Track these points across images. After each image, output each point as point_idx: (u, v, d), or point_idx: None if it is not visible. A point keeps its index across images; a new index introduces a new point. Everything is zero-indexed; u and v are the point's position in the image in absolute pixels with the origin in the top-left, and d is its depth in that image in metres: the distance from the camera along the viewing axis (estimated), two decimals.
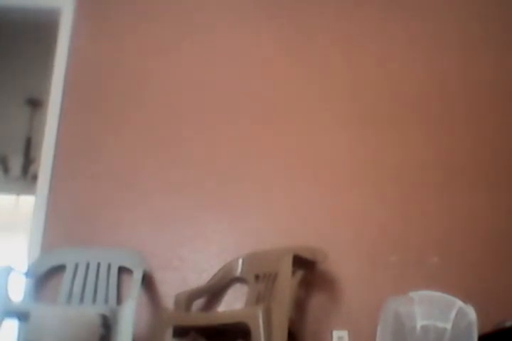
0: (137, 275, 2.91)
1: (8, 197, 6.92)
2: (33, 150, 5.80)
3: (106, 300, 2.99)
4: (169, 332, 2.65)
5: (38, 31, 4.02)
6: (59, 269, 3.09)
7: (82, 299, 3.00)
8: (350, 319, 3.08)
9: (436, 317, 2.68)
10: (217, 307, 3.12)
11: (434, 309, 2.71)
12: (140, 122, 3.42)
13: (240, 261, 3.14)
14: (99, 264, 3.08)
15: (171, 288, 3.08)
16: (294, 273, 2.76)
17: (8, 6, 3.59)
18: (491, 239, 3.25)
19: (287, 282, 2.67)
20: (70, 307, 2.92)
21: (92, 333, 2.57)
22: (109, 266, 3.08)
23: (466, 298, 2.72)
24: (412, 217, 3.28)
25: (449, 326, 2.65)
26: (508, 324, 2.79)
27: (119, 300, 3.03)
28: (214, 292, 3.12)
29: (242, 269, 3.12)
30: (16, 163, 6.25)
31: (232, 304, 3.11)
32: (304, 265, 2.92)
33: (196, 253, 3.19)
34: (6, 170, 6.28)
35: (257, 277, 3.06)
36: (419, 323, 2.69)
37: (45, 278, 3.11)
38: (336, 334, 3.05)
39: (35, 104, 5.67)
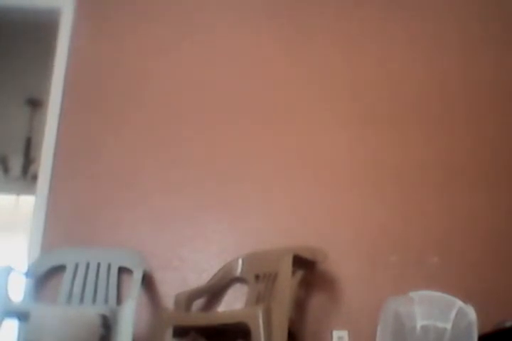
0: (137, 275, 2.90)
1: (8, 197, 6.92)
2: (33, 150, 5.80)
3: (106, 300, 2.99)
4: (169, 332, 2.65)
5: (38, 31, 4.02)
6: (59, 269, 3.09)
7: (82, 299, 3.00)
8: (350, 319, 3.08)
9: (436, 317, 2.68)
10: (217, 307, 3.12)
11: (434, 309, 2.71)
12: (140, 122, 3.42)
13: (240, 261, 3.14)
14: (99, 264, 3.08)
15: (171, 288, 3.08)
16: (294, 273, 2.76)
17: (8, 6, 3.59)
18: (491, 239, 3.25)
19: (287, 282, 2.67)
20: (70, 307, 2.92)
21: (92, 333, 2.57)
22: (109, 266, 3.08)
23: (466, 298, 2.72)
24: (412, 217, 3.28)
25: (449, 326, 2.65)
26: (508, 324, 2.79)
27: (119, 300, 3.03)
28: (214, 292, 3.12)
29: (242, 269, 3.12)
30: (16, 163, 6.25)
31: (232, 304, 3.11)
32: (304, 265, 2.92)
33: (196, 253, 3.19)
34: (6, 170, 6.28)
35: (257, 277, 3.06)
36: (419, 323, 2.69)
37: (45, 278, 3.11)
38: (335, 334, 3.05)
39: (35, 104, 5.67)
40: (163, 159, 3.35)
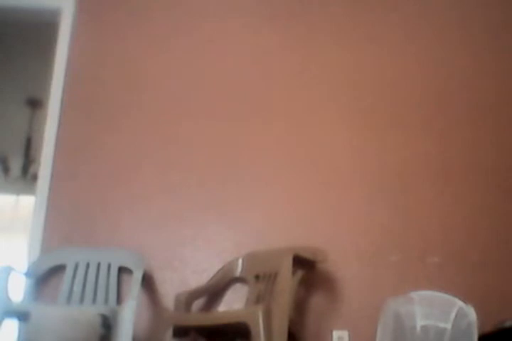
0: (137, 275, 2.90)
1: (8, 197, 6.93)
2: (33, 150, 5.80)
3: (106, 300, 2.99)
4: (169, 332, 2.65)
5: (38, 31, 4.02)
6: (59, 269, 3.09)
7: (82, 299, 3.00)
8: (350, 319, 3.08)
9: (436, 318, 2.68)
10: (217, 307, 3.12)
11: (434, 309, 2.70)
12: (140, 122, 3.41)
13: (240, 261, 3.14)
14: (99, 264, 3.08)
15: (171, 288, 3.08)
16: (294, 273, 2.76)
17: (8, 6, 3.59)
18: (491, 239, 3.25)
19: (287, 282, 2.67)
20: (70, 307, 2.92)
21: (92, 333, 2.57)
22: (109, 266, 3.08)
23: (466, 298, 2.72)
24: (412, 217, 3.28)
25: (449, 326, 2.65)
26: (508, 324, 2.79)
27: (119, 300, 3.03)
28: (214, 292, 3.12)
29: (242, 269, 3.12)
30: (16, 163, 6.25)
31: (232, 304, 3.11)
32: (304, 265, 2.92)
33: (196, 253, 3.19)
34: (6, 170, 6.28)
35: (257, 277, 3.05)
36: (419, 323, 2.69)
37: (45, 278, 3.11)
38: (335, 334, 3.05)
39: (35, 104, 5.67)
40: (163, 159, 3.35)
